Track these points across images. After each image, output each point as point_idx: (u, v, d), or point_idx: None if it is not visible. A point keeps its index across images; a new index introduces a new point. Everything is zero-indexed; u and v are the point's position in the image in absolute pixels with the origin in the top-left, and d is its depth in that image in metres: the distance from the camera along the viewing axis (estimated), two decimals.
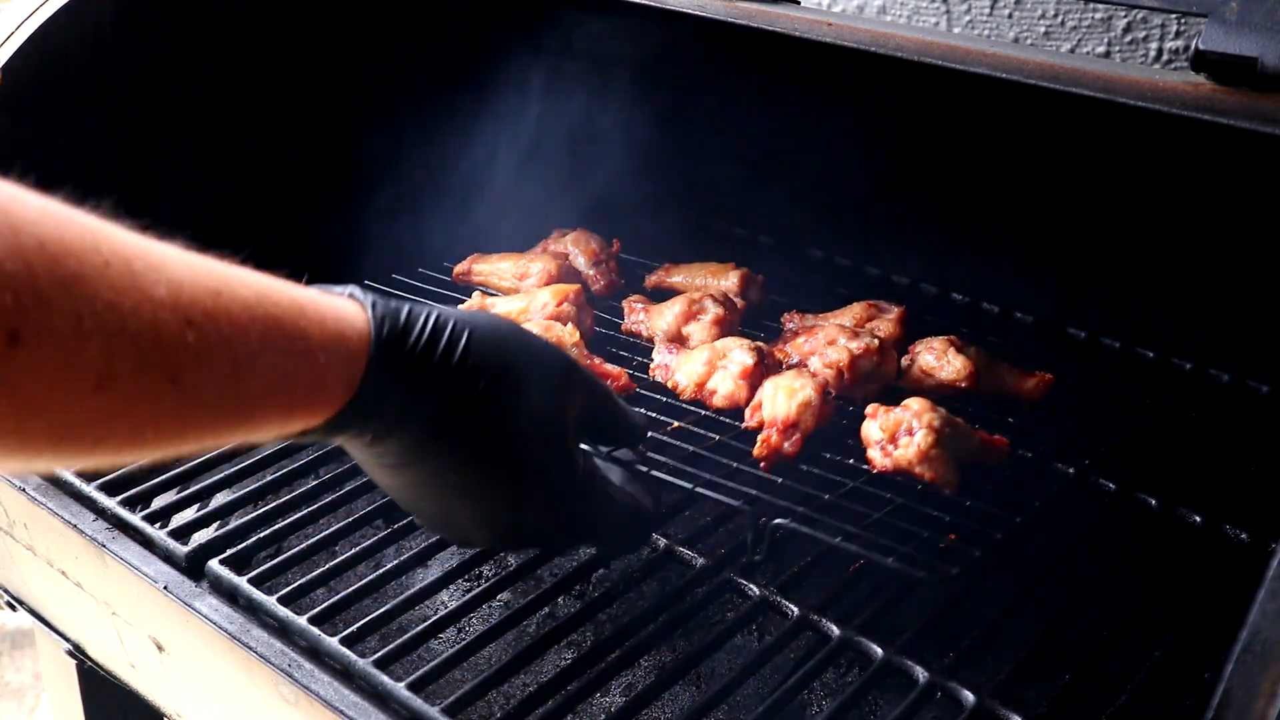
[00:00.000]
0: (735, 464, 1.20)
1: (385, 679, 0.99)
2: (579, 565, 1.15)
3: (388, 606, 1.08)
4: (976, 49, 1.02)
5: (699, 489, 1.13)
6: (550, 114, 1.92)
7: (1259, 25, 0.89)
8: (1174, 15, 1.66)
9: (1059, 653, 1.03)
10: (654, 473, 1.10)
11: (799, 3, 1.24)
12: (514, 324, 0.94)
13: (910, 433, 1.19)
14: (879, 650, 1.03)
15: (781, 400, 1.25)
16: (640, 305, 1.55)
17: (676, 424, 1.26)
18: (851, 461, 1.23)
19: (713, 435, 1.26)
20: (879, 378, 1.37)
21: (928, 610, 1.08)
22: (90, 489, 1.20)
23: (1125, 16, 1.72)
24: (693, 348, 1.43)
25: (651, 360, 1.44)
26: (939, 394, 1.36)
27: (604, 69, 1.86)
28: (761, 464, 1.22)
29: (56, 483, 1.22)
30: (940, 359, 1.36)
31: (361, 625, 1.05)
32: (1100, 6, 1.72)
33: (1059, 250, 1.60)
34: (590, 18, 1.77)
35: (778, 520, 1.10)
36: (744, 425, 1.28)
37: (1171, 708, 0.97)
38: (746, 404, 1.31)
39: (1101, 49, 1.75)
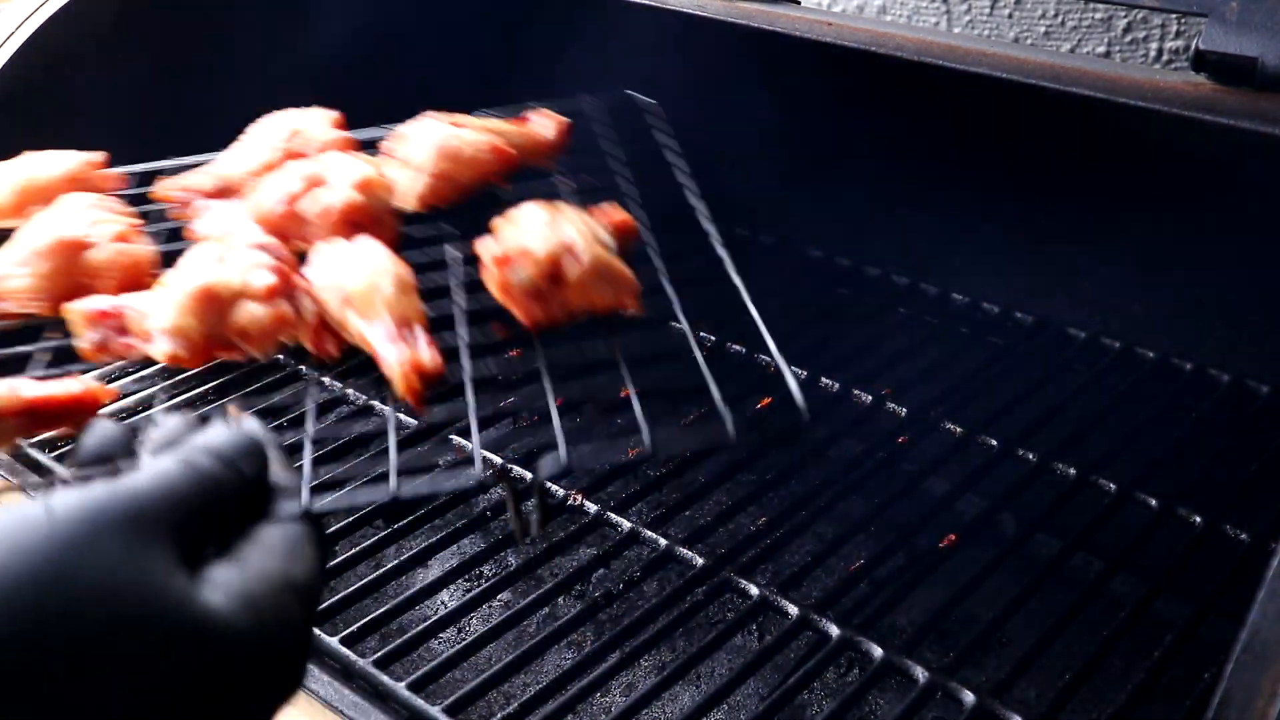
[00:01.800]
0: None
1: (385, 679, 0.99)
2: (579, 565, 1.15)
3: (388, 606, 1.08)
4: (976, 49, 1.02)
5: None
6: None
7: (1259, 25, 0.89)
8: (1174, 15, 1.66)
9: (1059, 653, 1.03)
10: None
11: (799, 3, 1.24)
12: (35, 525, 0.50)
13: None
14: (879, 650, 1.03)
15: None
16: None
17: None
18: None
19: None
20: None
21: (928, 610, 1.08)
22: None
23: (1125, 16, 1.72)
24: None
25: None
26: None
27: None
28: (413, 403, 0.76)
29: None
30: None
31: (361, 625, 1.05)
32: (1100, 6, 1.72)
33: (1059, 250, 1.60)
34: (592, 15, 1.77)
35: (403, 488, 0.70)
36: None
37: (1171, 708, 0.97)
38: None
39: (1101, 49, 1.75)
